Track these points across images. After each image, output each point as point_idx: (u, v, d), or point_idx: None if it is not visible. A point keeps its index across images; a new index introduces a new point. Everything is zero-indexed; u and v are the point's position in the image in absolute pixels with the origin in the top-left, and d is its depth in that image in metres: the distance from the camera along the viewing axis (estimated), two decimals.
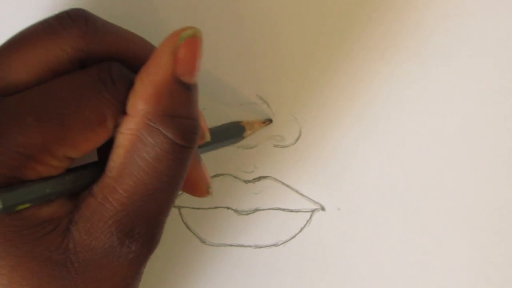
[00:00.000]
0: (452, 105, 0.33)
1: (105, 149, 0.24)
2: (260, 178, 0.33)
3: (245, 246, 0.33)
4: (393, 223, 0.33)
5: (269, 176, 0.33)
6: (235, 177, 0.33)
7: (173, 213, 0.33)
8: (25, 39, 0.24)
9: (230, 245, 0.33)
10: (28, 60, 0.24)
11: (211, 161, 0.32)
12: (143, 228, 0.24)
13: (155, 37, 0.32)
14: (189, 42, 0.23)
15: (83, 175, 0.24)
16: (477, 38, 0.32)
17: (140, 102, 0.23)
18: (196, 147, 0.25)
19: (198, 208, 0.33)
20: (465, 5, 0.32)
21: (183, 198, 0.33)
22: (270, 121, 0.32)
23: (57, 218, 0.23)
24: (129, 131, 0.23)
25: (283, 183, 0.33)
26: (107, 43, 0.25)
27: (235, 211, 0.33)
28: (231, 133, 0.31)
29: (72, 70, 0.24)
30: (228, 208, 0.33)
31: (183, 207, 0.33)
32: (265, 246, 0.33)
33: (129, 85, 0.24)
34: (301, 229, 0.33)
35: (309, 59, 0.32)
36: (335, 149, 0.33)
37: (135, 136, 0.23)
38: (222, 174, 0.33)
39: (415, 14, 0.32)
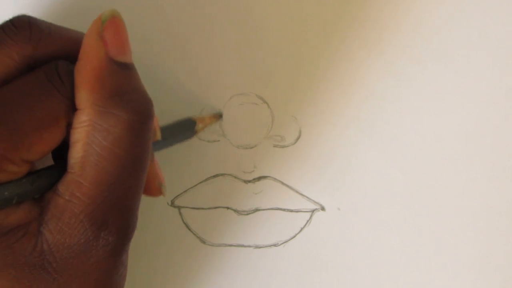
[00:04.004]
0: (452, 105, 0.33)
1: (60, 153, 0.24)
2: (260, 178, 0.33)
3: (245, 246, 0.33)
4: (393, 223, 0.33)
5: (269, 176, 0.33)
6: (235, 177, 0.33)
7: (173, 213, 0.33)
8: None
9: (230, 245, 0.33)
10: None
11: (211, 161, 0.32)
12: (116, 217, 0.23)
13: (156, 37, 0.32)
14: (111, 23, 0.24)
15: (40, 175, 0.24)
16: (477, 38, 0.32)
17: (85, 92, 0.23)
18: (152, 121, 0.25)
19: (198, 208, 0.33)
20: (466, 6, 0.32)
21: (183, 198, 0.33)
22: (220, 115, 0.32)
23: (25, 224, 0.23)
24: (82, 123, 0.23)
25: (283, 183, 0.33)
26: (53, 45, 0.25)
27: (235, 211, 0.33)
28: (183, 129, 0.31)
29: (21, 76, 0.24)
30: (228, 208, 0.33)
31: (183, 207, 0.33)
32: (265, 246, 0.33)
33: None
34: (301, 229, 0.33)
35: (309, 59, 0.32)
36: (335, 149, 0.33)
37: (90, 126, 0.23)
38: (222, 174, 0.33)
39: (414, 14, 0.32)
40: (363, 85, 0.32)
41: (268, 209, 0.33)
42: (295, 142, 0.33)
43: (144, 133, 0.24)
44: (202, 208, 0.33)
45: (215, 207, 0.33)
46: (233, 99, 0.32)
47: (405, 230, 0.33)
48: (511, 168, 0.33)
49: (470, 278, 0.33)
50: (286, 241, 0.33)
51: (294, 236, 0.33)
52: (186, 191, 0.32)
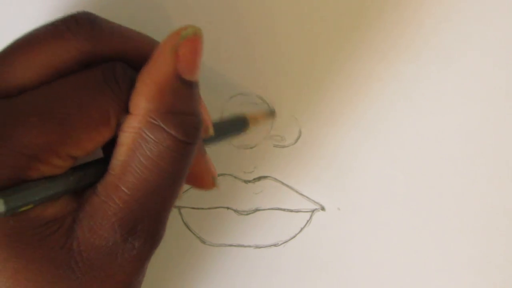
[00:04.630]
0: (452, 106, 0.33)
1: (110, 147, 0.24)
2: (260, 178, 0.33)
3: (245, 246, 0.33)
4: (393, 223, 0.33)
5: (269, 176, 0.33)
6: (235, 177, 0.33)
7: (173, 213, 0.33)
8: (31, 41, 0.24)
9: (230, 245, 0.33)
10: (34, 62, 0.24)
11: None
12: (146, 225, 0.24)
13: (156, 37, 0.32)
14: (190, 41, 0.24)
15: (86, 174, 0.24)
16: (478, 40, 0.32)
17: (142, 100, 0.23)
18: (199, 142, 0.25)
19: (198, 208, 0.33)
20: (466, 6, 0.32)
21: (183, 198, 0.33)
22: (273, 113, 0.32)
23: (61, 218, 0.23)
24: (131, 129, 0.23)
25: (283, 183, 0.33)
26: (113, 44, 0.25)
27: (235, 211, 0.33)
28: (235, 126, 0.31)
29: (77, 71, 0.24)
30: (228, 208, 0.33)
31: (183, 207, 0.33)
32: (265, 246, 0.33)
33: (133, 85, 0.24)
34: (301, 229, 0.33)
35: (310, 59, 0.32)
36: (335, 149, 0.33)
37: (138, 134, 0.23)
38: (222, 174, 0.33)
39: (416, 16, 0.32)
40: (363, 85, 0.32)
41: (268, 209, 0.33)
42: (295, 142, 0.33)
43: (188, 153, 0.24)
44: (202, 208, 0.33)
45: (215, 207, 0.33)
46: (233, 99, 0.32)
47: (405, 230, 0.33)
48: (511, 168, 0.33)
49: (470, 278, 0.33)
50: (286, 241, 0.33)
51: (294, 236, 0.33)
52: (186, 191, 0.32)
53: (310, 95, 0.32)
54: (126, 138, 0.24)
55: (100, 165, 0.24)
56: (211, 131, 0.28)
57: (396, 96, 0.32)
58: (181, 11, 0.32)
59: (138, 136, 0.23)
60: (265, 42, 0.32)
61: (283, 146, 0.33)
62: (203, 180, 0.28)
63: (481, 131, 0.33)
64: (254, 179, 0.33)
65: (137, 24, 0.32)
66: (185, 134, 0.24)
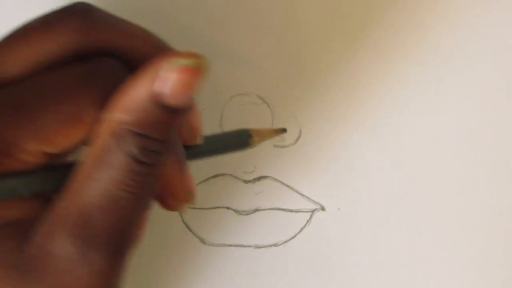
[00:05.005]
0: (453, 107, 0.33)
1: None
2: (260, 178, 0.33)
3: (245, 246, 0.33)
4: (393, 223, 0.33)
5: (269, 176, 0.33)
6: (235, 177, 0.33)
7: (173, 213, 0.33)
8: (22, 33, 0.23)
9: (230, 245, 0.33)
10: (22, 55, 0.23)
11: (211, 161, 0.32)
12: (104, 239, 0.22)
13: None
14: (184, 70, 0.22)
15: (54, 173, 0.23)
16: (479, 40, 0.32)
17: (116, 108, 0.22)
18: (164, 163, 0.24)
19: (198, 208, 0.33)
20: (468, 7, 0.32)
21: None
22: (284, 130, 0.31)
23: (16, 221, 0.22)
24: (100, 134, 0.22)
25: (283, 183, 0.33)
26: (108, 37, 0.24)
27: (235, 211, 0.33)
28: (236, 139, 0.29)
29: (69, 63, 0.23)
30: (228, 208, 0.33)
31: None
32: (265, 246, 0.33)
33: (118, 84, 0.23)
34: (301, 229, 0.33)
35: (309, 59, 0.32)
36: (335, 149, 0.33)
37: (104, 140, 0.22)
38: (222, 174, 0.33)
39: (417, 17, 0.32)
40: (363, 85, 0.32)
41: (268, 209, 0.33)
42: (295, 142, 0.33)
43: (148, 173, 0.23)
44: (202, 208, 0.33)
45: (215, 207, 0.33)
46: (233, 99, 0.32)
47: (405, 230, 0.33)
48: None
49: (470, 278, 0.33)
50: (286, 241, 0.33)
51: (294, 236, 0.33)
52: None
53: (310, 95, 0.32)
54: (95, 143, 0.22)
55: (64, 171, 0.23)
56: (199, 140, 0.27)
57: (396, 96, 0.32)
58: (181, 11, 0.32)
59: (104, 145, 0.22)
60: (265, 42, 0.32)
61: (283, 146, 0.33)
62: (178, 196, 0.26)
63: (482, 131, 0.33)
64: (254, 179, 0.33)
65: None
66: (145, 156, 0.22)
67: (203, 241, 0.33)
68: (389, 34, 0.32)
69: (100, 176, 0.22)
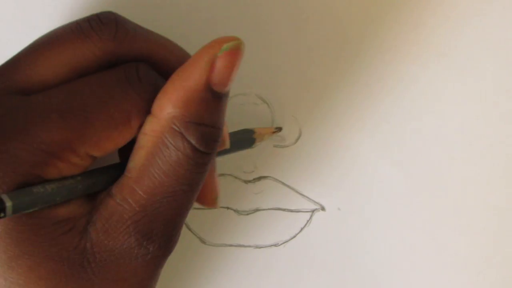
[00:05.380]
0: (453, 106, 0.33)
1: (126, 151, 0.24)
2: (260, 178, 0.33)
3: (245, 246, 0.33)
4: (393, 223, 0.33)
5: (269, 176, 0.33)
6: (235, 177, 0.33)
7: None
8: (54, 40, 0.24)
9: (230, 245, 0.33)
10: (56, 60, 0.24)
11: None
12: (161, 230, 0.24)
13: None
14: (229, 54, 0.23)
15: (102, 176, 0.24)
16: (478, 38, 0.32)
17: (169, 105, 0.23)
18: (215, 153, 0.25)
19: (198, 208, 0.33)
20: (466, 6, 0.32)
21: None
22: (280, 129, 0.32)
23: (74, 218, 0.23)
24: (153, 132, 0.23)
25: (283, 183, 0.33)
26: (137, 46, 0.25)
27: (235, 211, 0.33)
28: (241, 139, 0.31)
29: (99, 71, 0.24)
30: (228, 208, 0.33)
31: None
32: (265, 246, 0.33)
33: (155, 86, 0.24)
34: (301, 229, 0.33)
35: (309, 59, 0.32)
36: (335, 149, 0.33)
37: (159, 138, 0.23)
38: (222, 174, 0.33)
39: (416, 15, 0.32)
40: (363, 85, 0.32)
41: (268, 209, 0.33)
42: (295, 142, 0.33)
43: (205, 163, 0.24)
44: (202, 208, 0.33)
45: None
46: (233, 99, 0.32)
47: (405, 230, 0.33)
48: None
49: (470, 278, 0.33)
50: (286, 241, 0.33)
51: (294, 236, 0.33)
52: None
53: (310, 95, 0.32)
54: (147, 141, 0.23)
55: (114, 169, 0.24)
56: (227, 144, 0.28)
57: (396, 96, 0.32)
58: (181, 11, 0.32)
59: (159, 141, 0.23)
60: (265, 42, 0.32)
61: (283, 146, 0.33)
62: (205, 197, 0.28)
63: (482, 131, 0.33)
64: (254, 179, 0.33)
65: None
66: (205, 145, 0.24)
67: (203, 241, 0.33)
68: (389, 34, 0.32)
69: (156, 172, 0.23)
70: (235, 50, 0.24)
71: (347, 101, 0.32)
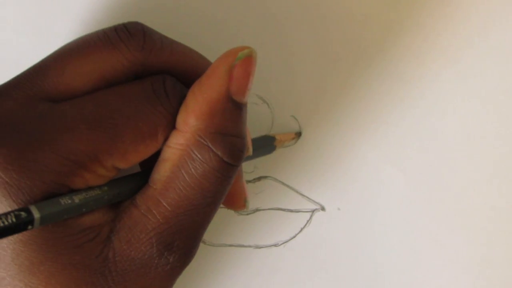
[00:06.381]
0: (453, 106, 0.33)
1: (147, 160, 0.24)
2: (260, 178, 0.33)
3: (245, 246, 0.33)
4: (393, 223, 0.33)
5: (269, 176, 0.33)
6: None
7: None
8: (82, 48, 0.24)
9: (230, 245, 0.33)
10: (84, 69, 0.24)
11: None
12: (182, 241, 0.24)
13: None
14: (245, 62, 0.24)
15: (127, 186, 0.24)
16: (479, 39, 0.32)
17: (192, 118, 0.23)
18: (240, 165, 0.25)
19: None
20: (466, 5, 0.32)
21: None
22: (299, 134, 0.32)
23: (98, 226, 0.23)
24: (178, 146, 0.23)
25: (283, 183, 0.33)
26: (164, 57, 0.25)
27: (235, 211, 0.33)
28: (263, 144, 0.31)
29: (126, 81, 0.24)
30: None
31: None
32: (265, 246, 0.33)
33: (182, 100, 0.24)
34: (301, 229, 0.33)
35: (309, 59, 0.32)
36: (335, 149, 0.33)
37: (185, 151, 0.23)
38: None
39: (416, 15, 0.32)
40: (363, 85, 0.32)
41: (268, 209, 0.33)
42: (295, 142, 0.33)
43: (231, 175, 0.24)
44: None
45: None
46: None
47: (405, 230, 0.33)
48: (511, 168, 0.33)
49: (470, 278, 0.33)
50: (286, 241, 0.33)
51: (294, 236, 0.33)
52: None
53: (310, 95, 0.32)
54: (172, 154, 0.23)
55: (138, 178, 0.24)
56: (250, 151, 0.28)
57: (396, 96, 0.32)
58: (181, 11, 0.32)
59: (184, 154, 0.23)
60: (265, 42, 0.32)
61: (283, 146, 0.33)
62: (235, 200, 0.28)
63: (482, 131, 0.33)
64: (254, 179, 0.33)
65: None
66: (231, 156, 0.24)
67: (203, 241, 0.33)
68: (389, 34, 0.32)
69: (182, 185, 0.23)
70: (249, 58, 0.24)
71: (347, 101, 0.32)
